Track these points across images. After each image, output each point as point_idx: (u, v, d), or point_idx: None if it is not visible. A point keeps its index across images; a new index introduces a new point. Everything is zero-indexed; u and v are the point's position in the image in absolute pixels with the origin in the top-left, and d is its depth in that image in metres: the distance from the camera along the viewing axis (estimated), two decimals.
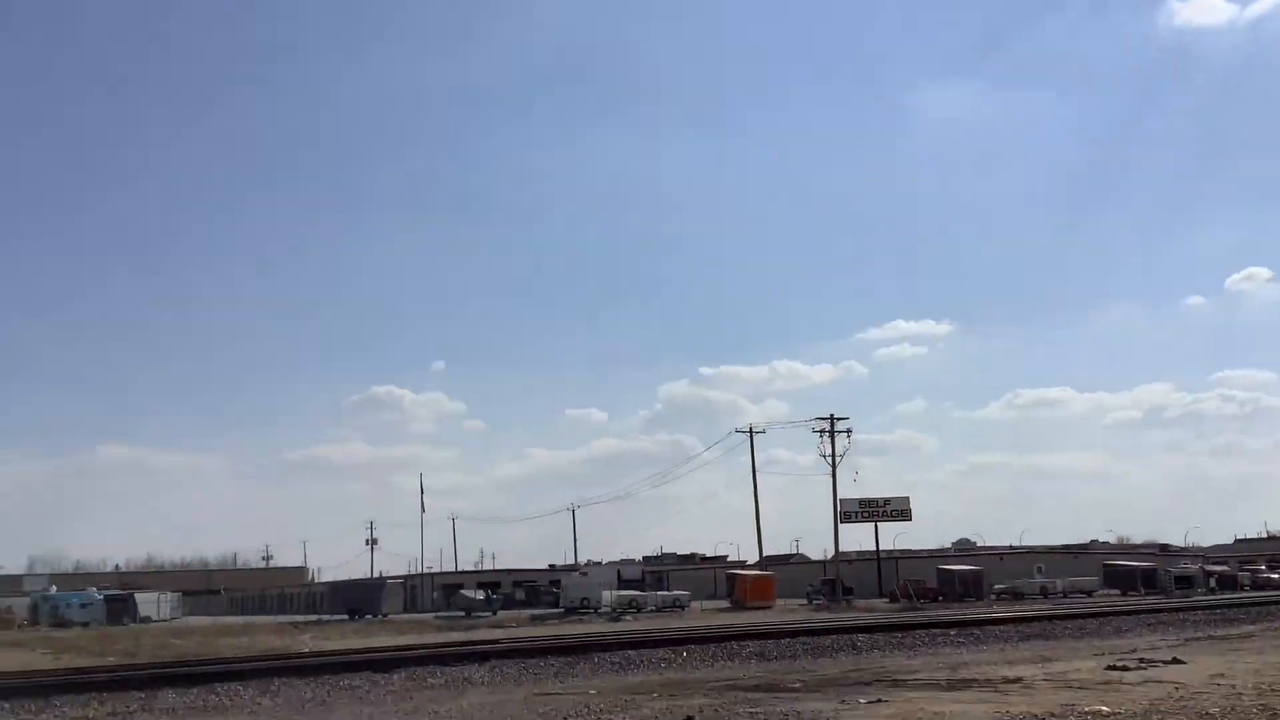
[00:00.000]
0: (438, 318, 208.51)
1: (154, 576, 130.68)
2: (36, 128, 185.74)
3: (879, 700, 12.88)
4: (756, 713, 11.84)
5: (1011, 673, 15.82)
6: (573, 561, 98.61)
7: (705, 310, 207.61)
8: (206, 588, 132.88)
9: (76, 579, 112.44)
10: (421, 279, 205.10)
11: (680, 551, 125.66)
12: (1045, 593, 66.87)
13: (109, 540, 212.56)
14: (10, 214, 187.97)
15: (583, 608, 60.54)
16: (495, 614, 62.52)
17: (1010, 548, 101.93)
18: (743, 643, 23.45)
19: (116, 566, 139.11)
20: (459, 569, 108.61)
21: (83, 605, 79.06)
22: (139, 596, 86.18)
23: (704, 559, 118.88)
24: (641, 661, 20.29)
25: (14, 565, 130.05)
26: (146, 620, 79.46)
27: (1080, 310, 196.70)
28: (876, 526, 76.03)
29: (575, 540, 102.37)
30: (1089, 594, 67.04)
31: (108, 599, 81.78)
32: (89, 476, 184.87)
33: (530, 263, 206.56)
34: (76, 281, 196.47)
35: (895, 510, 76.50)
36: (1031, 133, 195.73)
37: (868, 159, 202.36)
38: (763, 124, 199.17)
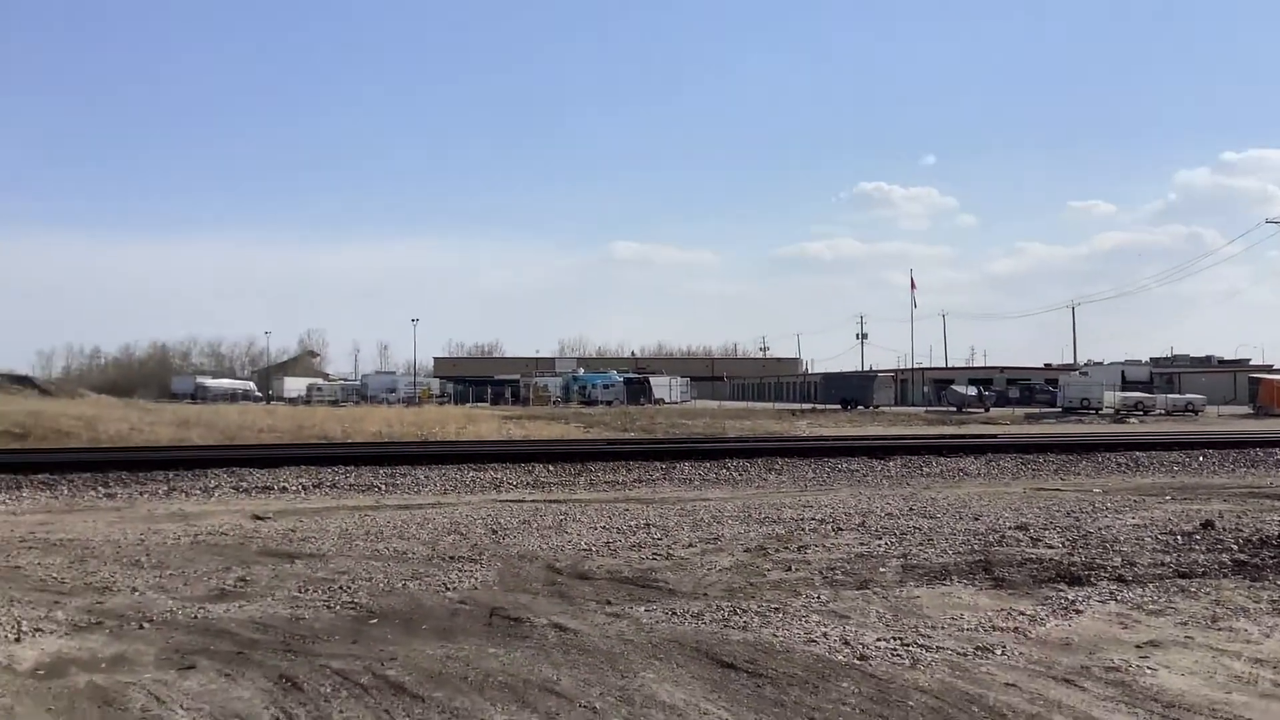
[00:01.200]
0: (928, 109, 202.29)
1: (664, 362, 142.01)
2: None
3: None
4: None
5: None
6: (1070, 361, 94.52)
7: (1229, 83, 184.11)
8: (710, 374, 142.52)
9: (598, 362, 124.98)
10: (910, 67, 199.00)
11: (1193, 354, 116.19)
12: None
13: (625, 328, 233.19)
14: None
15: (1082, 408, 58.18)
16: (987, 410, 61.81)
17: None
18: (1269, 450, 21.50)
19: (632, 353, 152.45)
20: (949, 365, 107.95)
21: (605, 386, 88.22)
22: (653, 380, 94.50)
23: (1222, 362, 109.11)
24: (1151, 464, 19.27)
25: (548, 349, 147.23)
26: (659, 401, 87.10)
27: None
28: None
29: (1075, 339, 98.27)
30: None
31: (626, 381, 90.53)
32: (607, 271, 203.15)
33: (1023, 39, 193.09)
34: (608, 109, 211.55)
35: None
36: None
37: None
38: None
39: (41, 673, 5.54)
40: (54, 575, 8.23)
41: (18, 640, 6.19)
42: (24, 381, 76.02)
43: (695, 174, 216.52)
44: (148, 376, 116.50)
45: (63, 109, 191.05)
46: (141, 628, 6.53)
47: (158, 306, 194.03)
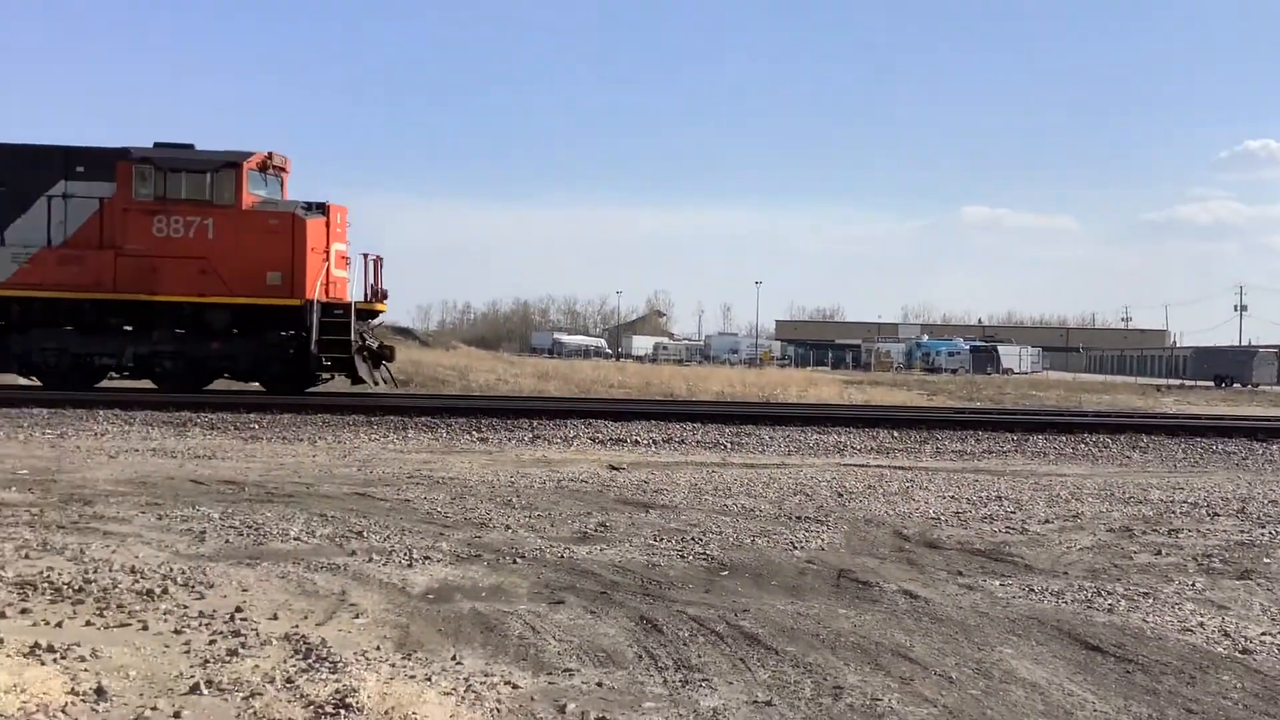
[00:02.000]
0: None
1: (1013, 330, 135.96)
2: None
3: None
4: None
5: None
6: None
7: None
8: (1063, 345, 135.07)
9: (943, 329, 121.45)
10: None
11: None
12: None
13: (972, 295, 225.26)
14: None
15: None
16: None
17: None
18: None
19: (979, 320, 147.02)
20: None
21: (950, 354, 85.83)
22: (1001, 349, 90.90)
23: None
24: None
25: (890, 315, 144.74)
26: (1008, 371, 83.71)
27: None
28: None
29: None
30: None
31: (973, 349, 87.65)
32: (954, 236, 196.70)
33: None
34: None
35: None
36: None
37: None
38: None
39: (431, 597, 6.11)
40: (438, 509, 9.03)
41: (410, 566, 6.86)
42: (405, 333, 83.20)
43: (1054, 133, 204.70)
44: (511, 331, 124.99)
45: (445, 101, 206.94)
46: (515, 563, 7.05)
47: (522, 266, 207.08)
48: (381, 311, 22.16)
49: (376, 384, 21.22)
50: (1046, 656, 5.19)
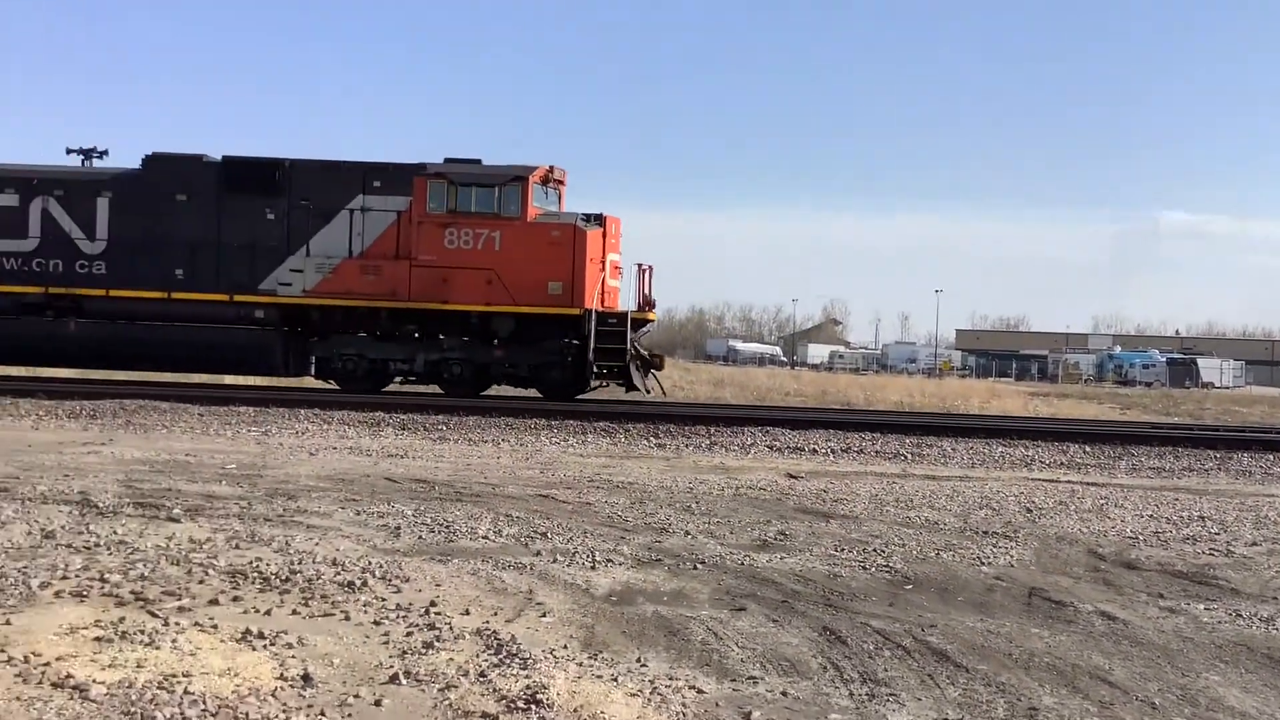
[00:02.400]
0: None
1: (1214, 343, 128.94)
2: None
3: None
4: None
5: None
6: None
7: None
8: (1269, 358, 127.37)
9: (1137, 340, 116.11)
10: None
11: None
12: None
13: (1168, 304, 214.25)
14: None
15: None
16: None
17: None
18: None
19: (1177, 331, 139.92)
20: None
21: (1145, 366, 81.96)
22: (1201, 361, 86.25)
23: None
24: None
25: (1079, 324, 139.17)
26: (1208, 385, 79.32)
27: None
28: None
29: None
30: None
31: (1170, 361, 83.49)
32: (1150, 242, 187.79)
33: None
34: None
35: None
36: None
37: None
38: None
39: (614, 599, 6.21)
40: (618, 513, 9.16)
41: (593, 568, 6.98)
42: None
43: (1259, 133, 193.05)
44: (686, 338, 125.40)
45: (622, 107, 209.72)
46: (695, 568, 7.09)
47: (697, 272, 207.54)
48: (652, 321, 22.58)
49: (648, 391, 21.62)
50: (1257, 685, 4.92)
